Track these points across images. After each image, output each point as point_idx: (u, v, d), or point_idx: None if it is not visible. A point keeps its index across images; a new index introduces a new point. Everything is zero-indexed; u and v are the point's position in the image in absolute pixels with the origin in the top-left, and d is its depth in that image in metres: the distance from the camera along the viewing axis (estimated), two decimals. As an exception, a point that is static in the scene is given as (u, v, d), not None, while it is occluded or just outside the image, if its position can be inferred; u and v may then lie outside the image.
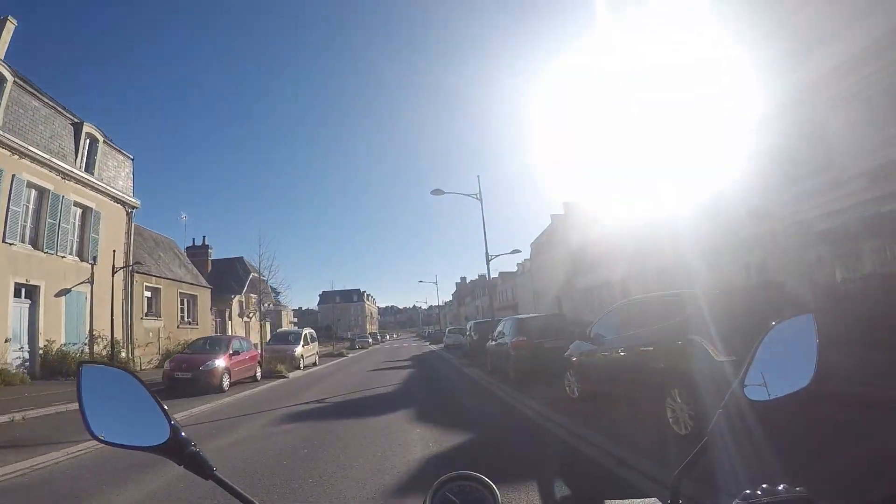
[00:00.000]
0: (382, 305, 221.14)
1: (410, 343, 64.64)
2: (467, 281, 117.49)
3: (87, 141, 18.60)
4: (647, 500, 0.96)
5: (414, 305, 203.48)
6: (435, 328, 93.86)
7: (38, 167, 15.83)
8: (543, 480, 4.40)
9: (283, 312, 51.24)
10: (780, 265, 13.18)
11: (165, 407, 0.93)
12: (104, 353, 16.62)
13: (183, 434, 0.91)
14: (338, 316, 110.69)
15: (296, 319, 70.61)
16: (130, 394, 0.95)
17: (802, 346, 0.97)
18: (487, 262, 23.74)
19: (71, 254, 17.39)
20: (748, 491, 0.84)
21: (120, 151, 20.90)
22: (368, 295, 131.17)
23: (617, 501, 0.76)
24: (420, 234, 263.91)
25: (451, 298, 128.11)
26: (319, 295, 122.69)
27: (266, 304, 29.64)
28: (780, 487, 0.83)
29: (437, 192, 22.55)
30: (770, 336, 0.99)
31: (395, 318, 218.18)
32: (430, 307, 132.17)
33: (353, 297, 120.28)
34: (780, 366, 0.97)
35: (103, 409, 0.95)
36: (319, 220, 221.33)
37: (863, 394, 6.00)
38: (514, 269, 55.57)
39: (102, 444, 0.94)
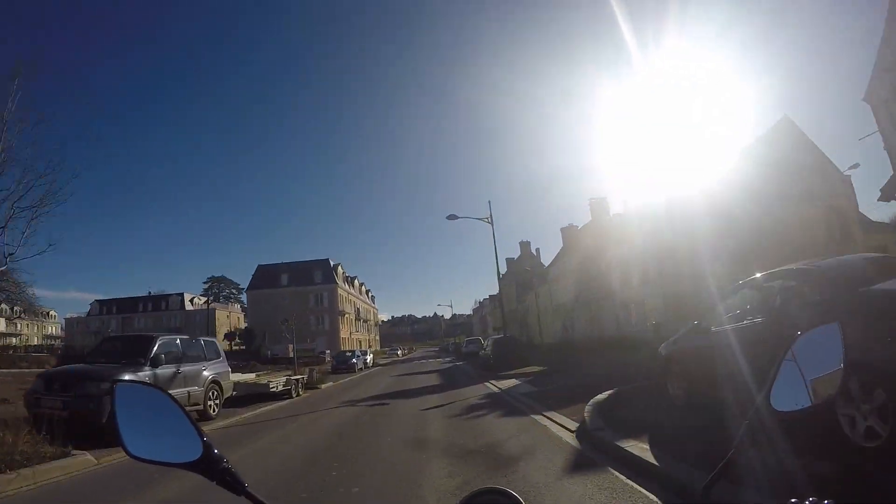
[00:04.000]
0: (398, 314, 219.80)
1: (428, 363, 43.65)
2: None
3: None
4: None
5: (435, 314, 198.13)
6: (453, 342, 79.20)
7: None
8: None
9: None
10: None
11: (198, 425, 0.97)
12: None
13: (216, 451, 0.95)
14: (282, 313, 61.45)
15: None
16: (164, 411, 1.00)
17: (828, 355, 0.99)
18: (499, 278, 28.92)
19: None
20: None
21: None
22: (352, 278, 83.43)
23: None
24: (437, 243, 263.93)
25: (474, 308, 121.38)
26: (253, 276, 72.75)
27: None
28: (808, 502, 0.83)
29: (451, 217, 26.14)
30: (796, 346, 1.01)
31: (412, 329, 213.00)
32: (455, 316, 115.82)
33: (315, 276, 70.67)
34: (807, 376, 0.98)
35: (138, 426, 1.00)
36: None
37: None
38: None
39: (137, 461, 0.98)
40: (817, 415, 0.95)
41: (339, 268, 74.66)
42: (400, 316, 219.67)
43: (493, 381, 16.48)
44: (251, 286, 70.63)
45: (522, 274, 62.23)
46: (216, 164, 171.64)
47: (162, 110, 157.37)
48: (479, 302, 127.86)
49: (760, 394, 0.99)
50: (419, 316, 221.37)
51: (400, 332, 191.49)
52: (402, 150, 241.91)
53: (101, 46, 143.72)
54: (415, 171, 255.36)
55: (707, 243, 21.83)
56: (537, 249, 70.04)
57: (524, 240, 77.76)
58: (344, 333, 70.34)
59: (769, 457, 2.20)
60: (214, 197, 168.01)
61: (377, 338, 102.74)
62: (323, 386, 21.80)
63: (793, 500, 0.84)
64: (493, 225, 24.99)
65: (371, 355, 46.04)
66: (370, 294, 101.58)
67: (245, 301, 79.86)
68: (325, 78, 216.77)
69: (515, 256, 73.49)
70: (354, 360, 37.22)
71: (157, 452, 0.99)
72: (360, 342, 76.47)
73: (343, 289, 73.68)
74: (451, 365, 34.85)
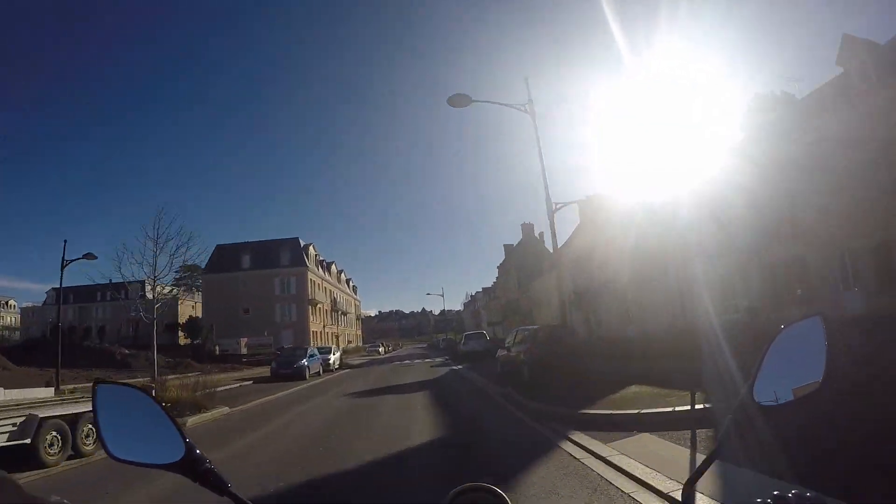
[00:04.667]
0: (385, 310, 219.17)
1: (414, 366, 32.88)
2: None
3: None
4: None
5: (423, 309, 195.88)
6: (445, 338, 69.29)
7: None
8: None
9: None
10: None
11: (180, 425, 1.01)
12: None
13: (198, 451, 0.98)
14: (241, 301, 58.50)
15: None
16: (145, 412, 1.02)
17: (811, 348, 1.02)
18: (547, 203, 14.49)
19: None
20: (759, 500, 0.87)
21: None
22: (328, 263, 75.15)
23: None
24: (429, 236, 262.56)
25: (465, 302, 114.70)
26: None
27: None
28: (791, 494, 0.86)
29: (460, 99, 14.26)
30: (778, 340, 1.04)
31: (399, 325, 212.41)
32: (444, 312, 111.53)
33: (282, 257, 61.31)
34: (790, 370, 1.00)
35: (119, 427, 1.03)
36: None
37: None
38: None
39: (119, 463, 1.01)
40: (801, 408, 0.97)
41: (312, 249, 65.38)
42: (387, 311, 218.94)
43: (591, 449, 6.26)
44: (207, 269, 59.05)
45: (527, 258, 59.06)
46: (184, 138, 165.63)
47: (118, 86, 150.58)
48: (471, 296, 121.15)
49: (744, 388, 1.00)
50: (407, 311, 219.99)
51: (387, 327, 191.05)
52: (386, 140, 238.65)
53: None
54: (404, 160, 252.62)
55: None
56: (541, 234, 63.82)
57: (527, 221, 68.78)
58: (315, 326, 62.33)
59: (754, 451, 2.24)
60: (184, 175, 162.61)
61: (359, 333, 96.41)
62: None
63: (775, 493, 0.88)
64: (533, 115, 14.55)
65: (338, 353, 37.15)
66: (352, 284, 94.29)
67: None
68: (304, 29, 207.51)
69: (515, 242, 68.75)
70: (305, 363, 26.41)
71: (139, 454, 1.02)
72: (336, 337, 71.44)
73: (315, 273, 65.14)
74: (446, 371, 25.35)
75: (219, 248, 61.36)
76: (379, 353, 64.81)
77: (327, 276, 71.88)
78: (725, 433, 0.99)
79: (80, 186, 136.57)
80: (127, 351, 36.79)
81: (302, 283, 60.62)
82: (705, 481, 0.79)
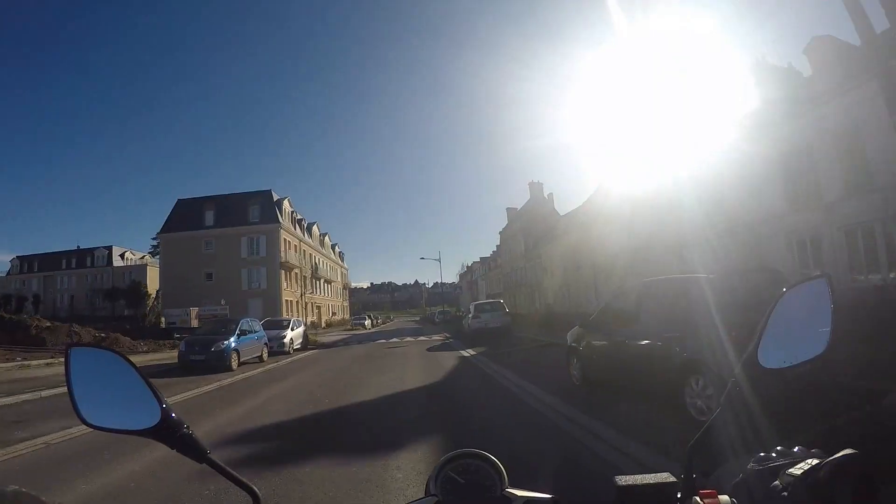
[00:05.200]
0: (378, 282, 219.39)
1: (404, 341, 29.81)
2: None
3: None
4: (660, 474, 0.98)
5: (416, 281, 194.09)
6: (442, 311, 68.31)
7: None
8: None
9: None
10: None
11: (157, 388, 0.99)
12: None
13: (174, 416, 0.97)
14: (202, 264, 51.46)
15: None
16: (120, 376, 1.00)
17: (817, 311, 1.02)
18: None
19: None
20: (762, 454, 0.90)
21: None
22: (310, 224, 66.76)
23: (629, 476, 0.76)
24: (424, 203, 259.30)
25: (461, 273, 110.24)
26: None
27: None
28: (795, 449, 0.88)
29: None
30: (783, 301, 1.02)
31: (392, 297, 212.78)
32: (436, 285, 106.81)
33: (250, 213, 53.02)
34: (795, 332, 1.00)
35: (93, 392, 1.01)
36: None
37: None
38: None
39: (92, 430, 0.93)
40: (805, 371, 0.93)
41: (286, 204, 57.00)
42: (379, 283, 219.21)
43: None
44: (166, 227, 53.28)
45: (535, 222, 53.07)
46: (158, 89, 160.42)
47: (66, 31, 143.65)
48: (468, 266, 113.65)
49: (747, 351, 0.96)
50: (400, 283, 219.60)
51: (379, 300, 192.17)
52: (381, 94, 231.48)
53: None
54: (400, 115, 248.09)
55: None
56: (550, 194, 60.14)
57: (535, 180, 62.30)
58: (290, 295, 54.33)
59: (758, 414, 2.24)
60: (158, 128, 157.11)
61: (345, 304, 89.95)
62: None
63: (778, 448, 0.89)
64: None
65: (299, 329, 27.37)
66: (338, 250, 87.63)
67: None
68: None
69: (519, 206, 63.03)
70: (230, 345, 17.47)
71: (113, 419, 1.00)
72: (318, 308, 65.58)
73: (290, 232, 56.81)
74: (453, 361, 16.60)
75: (180, 203, 55.24)
76: (364, 328, 60.07)
77: (307, 238, 64.27)
78: (727, 397, 0.99)
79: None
80: (48, 324, 31.68)
81: (273, 242, 52.31)
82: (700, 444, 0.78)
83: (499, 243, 73.18)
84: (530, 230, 54.40)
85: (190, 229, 51.94)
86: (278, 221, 52.92)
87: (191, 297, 45.70)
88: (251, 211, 53.06)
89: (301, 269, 58.06)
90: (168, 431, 0.95)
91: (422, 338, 31.66)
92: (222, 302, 43.91)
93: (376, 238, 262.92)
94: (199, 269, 50.63)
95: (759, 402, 1.17)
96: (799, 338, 1.01)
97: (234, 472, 0.97)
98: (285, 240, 54.41)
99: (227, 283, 49.52)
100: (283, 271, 52.71)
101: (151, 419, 0.95)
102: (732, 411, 0.98)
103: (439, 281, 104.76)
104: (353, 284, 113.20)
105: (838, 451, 0.74)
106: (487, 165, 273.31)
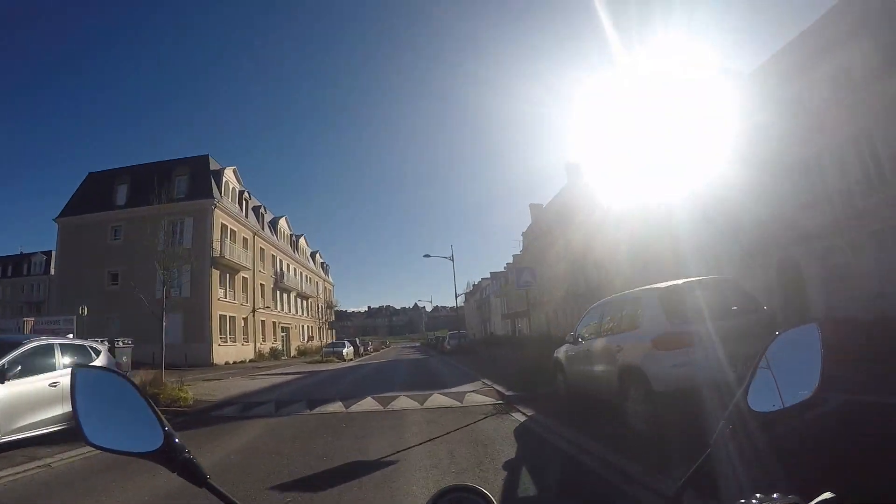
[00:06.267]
0: (375, 305, 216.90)
1: (399, 395, 11.92)
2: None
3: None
4: None
5: (415, 305, 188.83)
6: (457, 333, 43.99)
7: None
8: None
9: None
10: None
11: (160, 412, 1.01)
12: None
13: (177, 440, 0.99)
14: (106, 259, 34.95)
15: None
16: (125, 399, 1.03)
17: (806, 356, 1.03)
18: None
19: None
20: (743, 501, 0.90)
21: None
22: (276, 218, 51.70)
23: None
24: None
25: (467, 292, 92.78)
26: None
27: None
28: (775, 496, 0.89)
29: None
30: (774, 346, 1.05)
31: (390, 321, 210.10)
32: (437, 308, 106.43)
33: (178, 186, 34.91)
34: (784, 376, 1.01)
35: (97, 413, 1.03)
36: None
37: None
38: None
39: (96, 450, 0.95)
40: (794, 415, 0.96)
41: (230, 176, 40.61)
42: (377, 307, 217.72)
43: None
44: (67, 210, 37.92)
45: (576, 211, 33.91)
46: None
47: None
48: (474, 285, 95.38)
49: (737, 394, 0.99)
50: (398, 307, 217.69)
51: (377, 324, 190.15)
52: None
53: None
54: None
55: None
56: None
57: (571, 162, 43.86)
58: (229, 308, 37.58)
59: (748, 456, 2.24)
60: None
61: (324, 326, 64.12)
62: None
63: (758, 495, 0.89)
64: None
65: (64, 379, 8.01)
66: (319, 260, 70.62)
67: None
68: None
69: (545, 203, 48.54)
70: None
71: (117, 441, 1.02)
72: (283, 330, 49.58)
73: (234, 217, 39.67)
74: None
75: (91, 177, 39.71)
76: (342, 359, 37.04)
77: (268, 234, 47.55)
78: (718, 437, 1.01)
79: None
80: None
81: (202, 227, 35.05)
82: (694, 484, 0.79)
83: (522, 247, 56.17)
84: (569, 221, 37.56)
85: (95, 211, 36.46)
86: (212, 196, 35.98)
87: (91, 307, 26.08)
88: (178, 184, 35.05)
89: (246, 269, 40.47)
90: (170, 455, 0.97)
91: (438, 395, 11.93)
92: (82, 311, 24.09)
93: (372, 258, 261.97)
94: (101, 267, 34.65)
95: (751, 444, 1.19)
96: (788, 382, 1.02)
97: (234, 499, 0.98)
98: (224, 225, 37.63)
99: (141, 288, 20.57)
100: (216, 272, 35.81)
101: (154, 442, 0.97)
102: (724, 453, 1.00)
103: (436, 305, 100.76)
104: (351, 309, 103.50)
105: (817, 496, 0.76)
106: (488, 183, 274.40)
